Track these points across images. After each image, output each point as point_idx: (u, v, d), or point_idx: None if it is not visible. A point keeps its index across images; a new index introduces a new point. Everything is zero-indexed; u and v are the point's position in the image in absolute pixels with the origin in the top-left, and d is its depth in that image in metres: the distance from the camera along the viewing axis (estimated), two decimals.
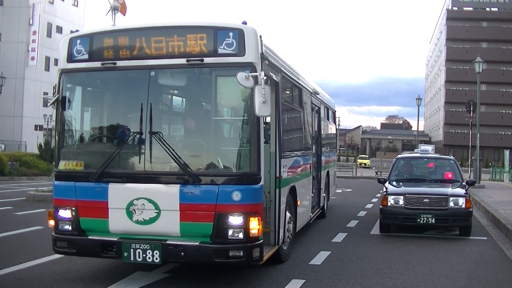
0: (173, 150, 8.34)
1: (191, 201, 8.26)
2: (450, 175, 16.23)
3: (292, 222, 10.96)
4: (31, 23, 73.34)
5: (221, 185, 8.19)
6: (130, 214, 8.46)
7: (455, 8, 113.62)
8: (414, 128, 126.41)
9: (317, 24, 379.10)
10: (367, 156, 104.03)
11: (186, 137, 9.78)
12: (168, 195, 8.36)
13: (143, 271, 9.59)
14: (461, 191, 14.51)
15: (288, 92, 11.50)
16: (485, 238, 14.39)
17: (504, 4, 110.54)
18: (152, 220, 8.40)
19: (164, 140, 8.42)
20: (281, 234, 9.88)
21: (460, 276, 9.98)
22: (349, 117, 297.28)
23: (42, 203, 20.15)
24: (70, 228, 8.88)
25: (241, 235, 8.12)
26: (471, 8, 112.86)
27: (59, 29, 77.49)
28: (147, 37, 8.67)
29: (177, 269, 9.82)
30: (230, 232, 8.14)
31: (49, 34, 76.67)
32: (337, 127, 24.49)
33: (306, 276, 9.54)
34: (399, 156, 18.24)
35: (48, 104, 9.59)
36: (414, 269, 10.45)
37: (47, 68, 75.68)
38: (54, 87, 9.33)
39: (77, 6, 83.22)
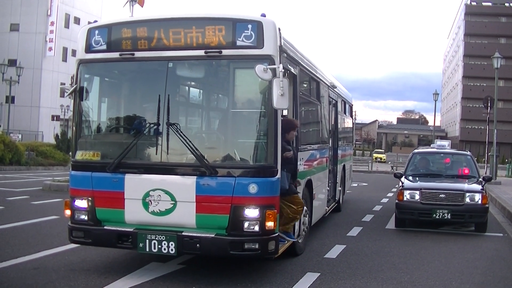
0: (190, 141, 8.34)
1: (207, 193, 8.26)
2: (466, 171, 16.18)
3: (307, 215, 10.94)
4: (49, 14, 73.73)
5: (237, 178, 8.18)
6: (146, 205, 8.48)
7: (473, 3, 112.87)
8: (431, 123, 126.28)
9: (333, 18, 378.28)
10: (383, 150, 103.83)
11: (203, 129, 9.80)
12: (184, 186, 8.35)
13: (158, 262, 9.63)
14: (478, 187, 14.44)
15: (305, 85, 11.48)
16: (501, 234, 14.32)
17: None
18: (168, 212, 8.41)
19: (181, 132, 8.40)
20: (297, 227, 9.87)
21: (475, 273, 9.94)
22: (365, 112, 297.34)
23: (58, 193, 20.28)
24: (86, 218, 8.90)
25: (257, 228, 8.11)
26: (490, 4, 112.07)
27: (77, 20, 77.85)
28: (165, 29, 8.65)
29: (192, 260, 9.85)
30: (246, 224, 8.14)
31: (67, 25, 77.08)
32: (353, 121, 24.42)
33: (321, 270, 9.54)
34: (416, 151, 18.19)
35: (66, 94, 9.60)
36: (429, 264, 10.42)
37: (64, 59, 76.08)
38: (72, 77, 9.35)
39: None
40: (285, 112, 9.78)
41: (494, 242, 13.15)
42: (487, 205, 14.00)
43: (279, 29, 8.41)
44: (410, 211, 14.22)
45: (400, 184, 15.15)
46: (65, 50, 76.35)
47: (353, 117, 24.67)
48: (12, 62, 59.74)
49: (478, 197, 13.86)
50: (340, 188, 16.86)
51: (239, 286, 8.43)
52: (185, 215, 8.35)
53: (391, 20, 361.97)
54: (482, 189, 14.24)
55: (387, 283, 8.94)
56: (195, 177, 8.32)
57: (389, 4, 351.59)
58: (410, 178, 15.58)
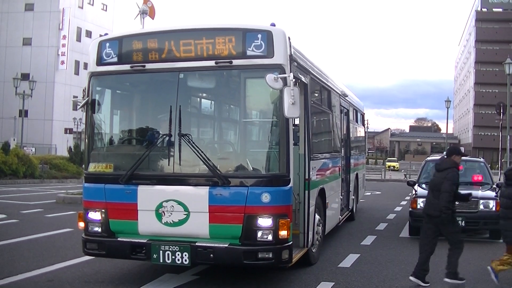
0: (202, 152, 8.35)
1: (220, 203, 8.26)
2: (480, 178, 16.06)
3: (321, 224, 10.93)
4: (61, 27, 74.17)
5: (250, 187, 8.18)
6: (159, 216, 8.49)
7: (484, 10, 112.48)
8: (443, 130, 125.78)
9: (344, 26, 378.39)
10: (396, 158, 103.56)
11: (215, 139, 9.82)
12: (197, 197, 8.36)
13: (172, 273, 9.62)
14: (491, 193, 14.36)
15: (317, 94, 11.47)
16: None
17: None
18: (181, 222, 8.41)
19: (193, 142, 8.43)
20: (310, 236, 9.85)
21: (490, 280, 9.85)
22: (377, 120, 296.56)
23: (72, 205, 20.35)
24: (100, 230, 8.93)
25: (270, 237, 8.10)
26: (500, 9, 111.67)
27: (89, 34, 78.26)
28: (176, 40, 8.70)
29: (205, 271, 9.84)
30: (259, 234, 8.12)
31: (78, 39, 77.48)
32: (366, 130, 24.37)
33: (335, 279, 9.51)
34: (429, 158, 18.11)
35: (78, 107, 9.66)
36: (443, 272, 10.33)
37: (76, 72, 76.49)
38: (83, 90, 9.40)
39: (106, 10, 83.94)
40: (296, 121, 9.79)
41: None
42: None
43: (289, 38, 8.43)
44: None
45: (414, 192, 15.08)
46: (77, 63, 76.76)
47: (365, 125, 24.64)
48: (25, 76, 60.18)
49: (492, 204, 13.78)
50: (353, 197, 16.83)
51: None
52: (198, 226, 8.35)
53: (402, 28, 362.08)
54: (496, 196, 14.13)
55: None
56: (208, 187, 8.33)
57: (400, 12, 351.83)
58: (424, 186, 15.47)
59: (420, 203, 14.12)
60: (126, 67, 8.97)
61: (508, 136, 35.07)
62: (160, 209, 8.48)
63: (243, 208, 8.16)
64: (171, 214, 8.44)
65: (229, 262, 8.38)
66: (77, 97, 12.67)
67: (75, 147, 44.99)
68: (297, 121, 9.86)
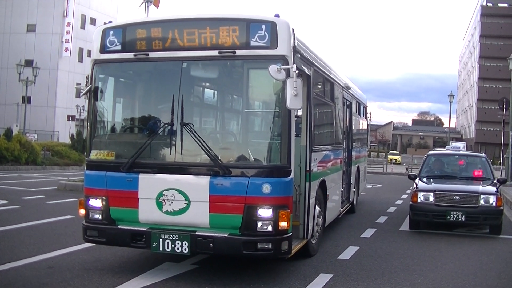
0: (203, 141, 8.35)
1: (221, 193, 8.27)
2: (481, 173, 16.06)
3: (321, 216, 10.93)
4: (65, 14, 74.13)
5: (251, 178, 8.18)
6: (160, 204, 8.50)
7: (489, 4, 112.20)
8: (446, 125, 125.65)
9: (347, 19, 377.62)
10: (398, 152, 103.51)
11: (217, 129, 9.82)
12: (198, 186, 8.37)
13: (172, 262, 9.65)
14: (492, 189, 14.35)
15: (319, 86, 11.46)
16: None
17: None
18: (181, 211, 8.43)
19: (195, 132, 8.42)
20: (310, 228, 9.87)
21: (489, 275, 9.89)
22: (380, 113, 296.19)
23: (73, 192, 20.37)
24: (100, 217, 8.94)
25: (270, 228, 8.11)
26: (506, 5, 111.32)
27: (93, 21, 78.20)
28: (179, 29, 8.68)
29: (205, 260, 9.86)
30: (259, 224, 8.13)
31: (83, 26, 77.47)
32: (368, 123, 24.35)
33: (334, 271, 9.53)
34: (430, 152, 18.13)
35: (81, 94, 9.65)
36: (443, 266, 10.38)
37: (80, 59, 76.49)
38: (87, 77, 9.40)
39: None
40: (299, 113, 9.79)
41: (509, 245, 13.08)
42: (501, 207, 13.92)
43: (293, 30, 8.41)
44: (424, 213, 14.15)
45: (414, 185, 15.10)
46: (81, 50, 76.76)
47: (368, 118, 24.60)
48: (29, 63, 60.00)
49: (492, 199, 13.78)
50: (354, 189, 16.85)
51: (252, 287, 8.44)
52: (199, 215, 8.36)
53: (406, 21, 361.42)
54: (497, 191, 14.16)
55: (401, 285, 8.92)
56: (209, 177, 8.33)
57: (404, 5, 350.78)
58: (425, 179, 15.52)
59: (421, 196, 14.15)
60: (130, 55, 8.96)
61: (511, 132, 35.01)
62: (160, 198, 8.49)
63: (244, 199, 8.17)
64: (172, 203, 8.45)
65: (229, 252, 8.38)
66: (80, 84, 12.67)
67: (77, 134, 45.13)
68: (299, 113, 9.86)
